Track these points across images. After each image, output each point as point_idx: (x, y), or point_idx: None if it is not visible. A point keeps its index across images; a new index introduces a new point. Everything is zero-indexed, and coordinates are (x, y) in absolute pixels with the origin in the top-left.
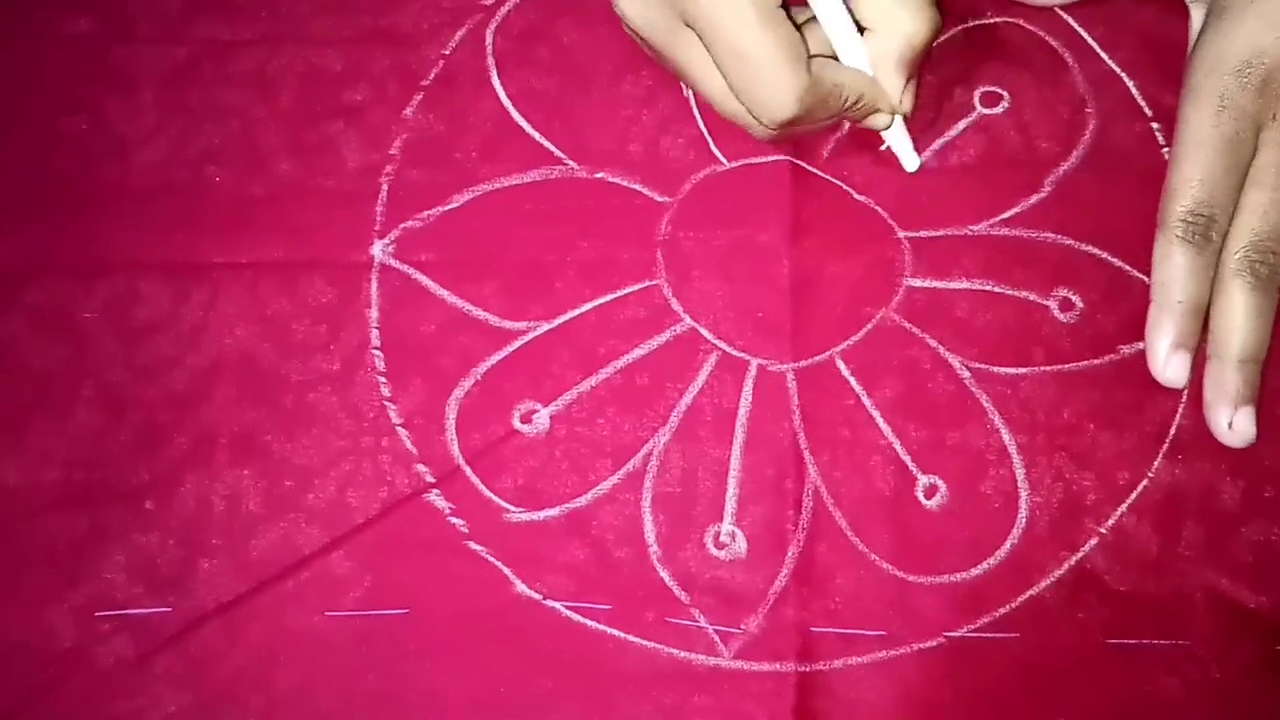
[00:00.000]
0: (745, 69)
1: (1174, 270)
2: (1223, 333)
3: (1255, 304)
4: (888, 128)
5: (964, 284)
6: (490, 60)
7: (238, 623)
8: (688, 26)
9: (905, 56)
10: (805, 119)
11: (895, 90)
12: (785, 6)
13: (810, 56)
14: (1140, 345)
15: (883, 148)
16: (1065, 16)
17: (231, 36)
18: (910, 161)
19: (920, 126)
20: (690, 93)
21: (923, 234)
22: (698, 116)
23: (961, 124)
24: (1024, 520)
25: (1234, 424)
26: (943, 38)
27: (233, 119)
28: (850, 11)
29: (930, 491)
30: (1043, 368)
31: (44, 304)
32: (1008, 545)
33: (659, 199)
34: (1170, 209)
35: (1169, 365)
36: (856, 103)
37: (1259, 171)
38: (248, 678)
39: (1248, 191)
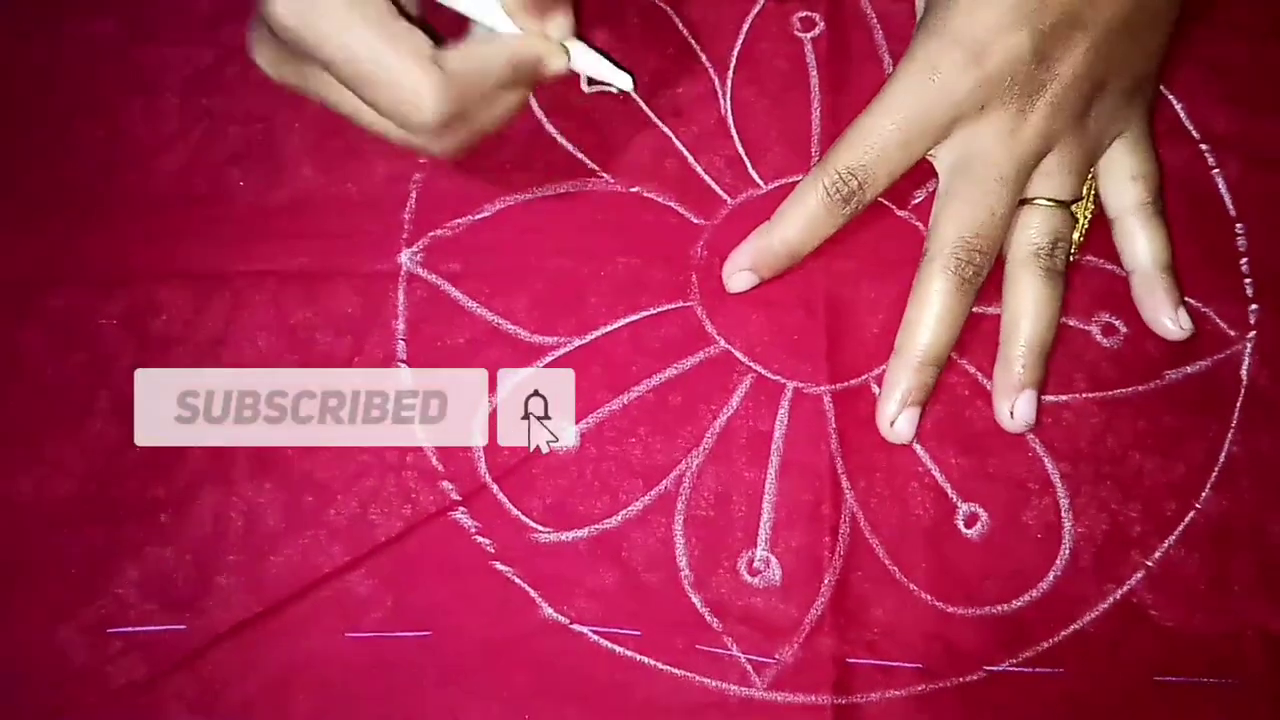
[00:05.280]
0: (375, 88)
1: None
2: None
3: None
4: (568, 65)
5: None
6: None
7: (254, 644)
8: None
9: None
10: (465, 113)
11: (534, 24)
12: (408, 16)
13: (439, 50)
14: (1188, 369)
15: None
16: None
17: None
18: (622, 80)
19: None
20: (729, 112)
21: None
22: (735, 136)
23: None
24: (1068, 551)
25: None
26: None
27: (257, 124)
28: None
29: (971, 520)
30: (1085, 394)
31: (61, 312)
32: (1051, 577)
33: (695, 220)
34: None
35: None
36: (519, 67)
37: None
38: (263, 702)
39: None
